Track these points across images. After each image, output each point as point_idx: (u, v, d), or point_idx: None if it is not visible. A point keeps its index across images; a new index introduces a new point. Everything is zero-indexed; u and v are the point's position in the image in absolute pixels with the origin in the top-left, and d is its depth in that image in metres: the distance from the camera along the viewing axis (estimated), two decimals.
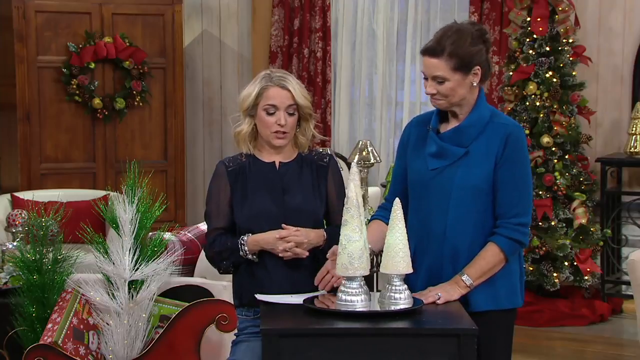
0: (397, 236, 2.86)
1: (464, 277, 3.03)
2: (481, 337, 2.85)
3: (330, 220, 3.31)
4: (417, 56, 7.14)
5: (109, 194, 6.30)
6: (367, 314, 2.82)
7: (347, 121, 7.58)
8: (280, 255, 3.16)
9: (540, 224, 6.10)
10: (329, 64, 7.48)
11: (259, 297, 3.09)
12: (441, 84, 3.07)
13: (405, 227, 2.90)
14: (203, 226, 4.48)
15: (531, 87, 6.17)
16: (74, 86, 7.02)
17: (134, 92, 7.16)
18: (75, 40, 7.04)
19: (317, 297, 3.02)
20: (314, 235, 3.19)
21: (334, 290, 3.03)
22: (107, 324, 3.46)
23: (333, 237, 3.11)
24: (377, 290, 2.98)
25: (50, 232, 3.72)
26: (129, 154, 6.79)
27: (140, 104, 7.23)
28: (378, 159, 5.80)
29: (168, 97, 7.35)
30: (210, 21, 7.94)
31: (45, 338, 3.30)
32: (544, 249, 6.06)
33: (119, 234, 3.54)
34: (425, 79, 3.11)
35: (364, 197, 5.61)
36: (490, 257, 3.05)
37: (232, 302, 3.37)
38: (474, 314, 2.95)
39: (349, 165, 6.06)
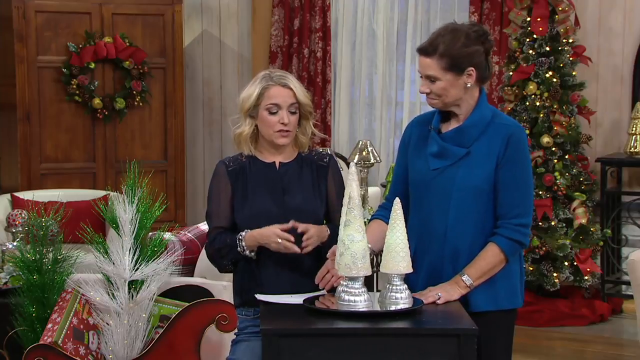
0: (397, 236, 2.86)
1: (464, 277, 3.03)
2: (481, 337, 2.85)
3: (330, 220, 3.31)
4: (417, 56, 7.11)
5: (109, 194, 6.30)
6: (367, 314, 2.83)
7: (347, 121, 7.58)
8: (273, 249, 3.14)
9: (540, 224, 6.10)
10: (329, 64, 7.48)
11: (259, 297, 3.09)
12: (434, 83, 3.08)
13: (406, 226, 2.90)
14: (203, 226, 4.48)
15: (531, 87, 6.17)
16: (74, 86, 7.02)
17: (134, 92, 7.16)
18: (75, 40, 7.04)
19: (317, 297, 3.02)
20: (315, 231, 3.18)
21: (333, 290, 3.03)
22: (107, 324, 3.46)
23: (333, 236, 3.11)
24: (377, 290, 2.97)
25: (50, 232, 3.72)
26: (129, 154, 6.79)
27: (140, 104, 7.23)
28: (378, 159, 5.80)
29: (168, 97, 7.35)
30: (210, 21, 7.94)
31: (45, 338, 3.30)
32: (544, 249, 6.06)
33: (119, 234, 3.54)
34: (422, 77, 3.13)
35: (364, 197, 5.61)
36: (490, 257, 3.05)
37: (232, 302, 3.37)
38: (474, 314, 2.95)
39: (349, 166, 6.06)
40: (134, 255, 3.50)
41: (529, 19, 6.21)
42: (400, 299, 2.86)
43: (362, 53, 7.48)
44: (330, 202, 3.30)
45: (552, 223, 6.12)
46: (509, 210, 3.07)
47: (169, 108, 7.36)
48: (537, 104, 6.16)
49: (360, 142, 5.80)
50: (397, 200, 2.88)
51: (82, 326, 3.45)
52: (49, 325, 3.39)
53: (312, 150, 3.39)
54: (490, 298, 3.08)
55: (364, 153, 5.71)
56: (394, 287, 2.87)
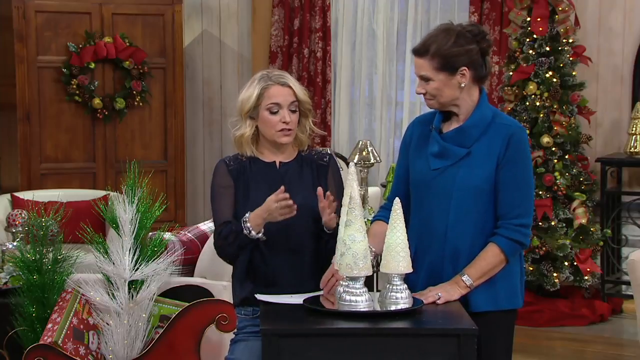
0: (397, 236, 2.86)
1: (464, 277, 3.03)
2: (481, 337, 2.85)
3: None
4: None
5: (109, 194, 6.30)
6: (367, 314, 2.82)
7: (347, 121, 7.58)
8: (277, 217, 3.10)
9: (540, 224, 6.10)
10: (329, 64, 7.48)
11: (259, 297, 3.09)
12: (428, 83, 3.09)
13: (407, 226, 2.90)
14: (203, 226, 4.48)
15: (531, 87, 6.17)
16: (74, 86, 7.02)
17: (134, 92, 7.16)
18: (75, 40, 7.04)
19: (317, 297, 3.01)
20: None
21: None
22: (107, 324, 3.46)
23: (334, 236, 3.10)
24: (377, 290, 2.97)
25: (50, 232, 3.72)
26: (129, 154, 6.79)
27: (140, 104, 7.23)
28: (378, 159, 5.80)
29: (168, 97, 7.35)
30: (210, 21, 7.94)
31: (45, 338, 3.30)
32: (544, 249, 6.06)
33: (119, 234, 3.54)
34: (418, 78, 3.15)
35: (364, 197, 5.61)
36: (490, 257, 3.05)
37: (232, 302, 3.36)
38: (474, 314, 2.95)
39: (349, 166, 6.05)
40: (134, 255, 3.50)
41: (529, 19, 6.21)
42: (400, 299, 2.86)
43: (362, 53, 7.48)
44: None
45: (552, 223, 6.12)
46: (510, 210, 3.07)
47: (169, 108, 7.36)
48: (537, 104, 6.16)
49: (360, 142, 5.81)
50: (397, 200, 2.88)
51: (82, 326, 3.45)
52: (49, 325, 3.39)
53: (312, 149, 3.39)
54: (490, 298, 3.08)
55: (364, 153, 5.71)
56: (394, 287, 2.87)
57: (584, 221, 6.12)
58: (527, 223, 3.09)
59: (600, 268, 6.20)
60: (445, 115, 3.18)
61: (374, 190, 6.17)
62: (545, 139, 6.13)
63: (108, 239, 3.74)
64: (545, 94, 6.15)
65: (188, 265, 4.28)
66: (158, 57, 7.30)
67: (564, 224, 6.13)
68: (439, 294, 3.00)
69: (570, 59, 6.22)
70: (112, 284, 3.50)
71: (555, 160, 6.17)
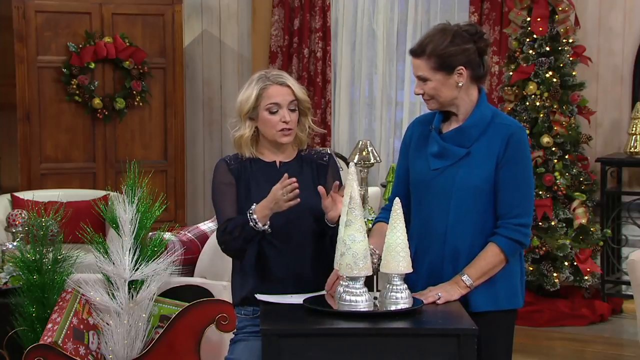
0: (397, 236, 2.86)
1: (464, 277, 3.03)
2: (481, 337, 2.85)
3: None
4: None
5: (109, 194, 6.30)
6: (367, 314, 2.82)
7: (347, 121, 7.58)
8: (283, 205, 3.08)
9: (540, 224, 6.10)
10: (329, 64, 7.48)
11: (259, 297, 3.09)
12: (425, 83, 3.10)
13: (407, 226, 2.90)
14: (203, 226, 4.48)
15: (531, 87, 6.17)
16: (74, 86, 7.02)
17: (134, 92, 7.16)
18: (75, 40, 7.04)
19: (317, 297, 3.01)
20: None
21: None
22: (107, 324, 3.46)
23: (334, 235, 3.10)
24: (377, 290, 2.97)
25: (50, 232, 3.72)
26: (129, 154, 6.79)
27: (140, 104, 7.23)
28: (378, 159, 5.80)
29: (168, 97, 7.35)
30: (210, 21, 7.94)
31: (45, 338, 3.30)
32: (544, 249, 6.06)
33: (119, 234, 3.54)
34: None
35: (364, 197, 5.61)
36: (490, 257, 3.05)
37: (232, 302, 3.36)
38: (474, 314, 2.95)
39: (349, 166, 6.05)
40: (134, 255, 3.50)
41: (529, 19, 6.21)
42: (401, 299, 2.86)
43: (362, 53, 7.48)
44: None
45: (552, 223, 6.12)
46: (509, 210, 3.07)
47: (169, 108, 7.36)
48: (537, 104, 6.16)
49: (360, 142, 5.80)
50: (397, 200, 2.88)
51: (82, 326, 3.45)
52: (49, 325, 3.39)
53: (312, 149, 3.40)
54: (490, 298, 3.08)
55: (364, 153, 5.71)
56: (394, 287, 2.87)
57: (584, 221, 6.12)
58: (527, 223, 3.09)
59: (600, 268, 6.20)
60: (445, 116, 3.19)
61: (374, 190, 6.17)
62: (545, 139, 6.13)
63: (108, 239, 3.74)
64: (545, 94, 6.15)
65: (188, 265, 4.28)
66: (158, 57, 7.30)
67: (564, 224, 6.13)
68: (439, 294, 3.00)
69: (570, 59, 6.22)
70: (112, 284, 3.50)
71: (555, 160, 6.17)
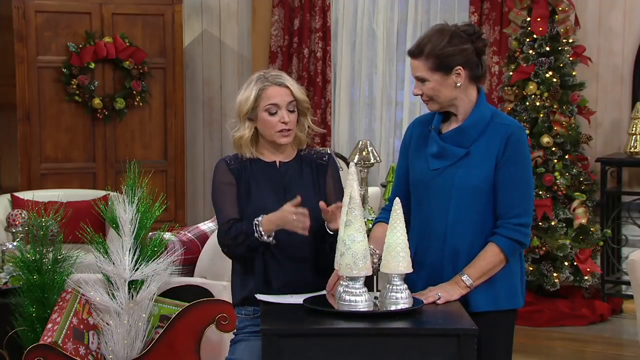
0: (397, 236, 2.86)
1: (464, 277, 3.03)
2: (481, 337, 2.85)
3: None
4: None
5: (109, 194, 6.30)
6: (367, 314, 2.82)
7: (347, 121, 7.59)
8: (290, 227, 3.07)
9: (540, 224, 6.10)
10: (329, 64, 7.48)
11: (259, 297, 3.09)
12: (424, 84, 3.10)
13: (408, 226, 2.90)
14: (203, 226, 4.48)
15: (531, 87, 6.17)
16: (74, 86, 7.02)
17: (134, 92, 7.16)
18: (75, 40, 7.04)
19: (317, 297, 3.01)
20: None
21: None
22: (107, 324, 3.46)
23: (334, 235, 3.10)
24: (377, 290, 2.97)
25: (50, 232, 3.72)
26: (129, 154, 6.79)
27: (140, 104, 7.23)
28: (378, 159, 5.80)
29: (168, 97, 7.35)
30: (210, 21, 7.94)
31: (45, 338, 3.30)
32: (544, 249, 6.07)
33: (119, 234, 3.54)
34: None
35: (364, 197, 5.61)
36: (490, 257, 3.05)
37: (232, 302, 3.36)
38: (474, 314, 2.95)
39: (349, 166, 6.06)
40: (134, 255, 3.50)
41: (529, 19, 6.21)
42: (400, 299, 2.86)
43: (362, 53, 7.48)
44: (329, 200, 3.29)
45: (552, 223, 6.12)
46: (509, 210, 3.07)
47: (169, 108, 7.36)
48: (537, 104, 6.16)
49: (360, 142, 5.81)
50: (396, 200, 2.88)
51: (82, 326, 3.45)
52: (49, 325, 3.39)
53: (312, 149, 3.40)
54: (490, 298, 3.08)
55: (364, 153, 5.71)
56: (394, 287, 2.87)
57: (584, 221, 6.12)
58: (527, 222, 3.09)
59: (600, 268, 6.20)
60: (444, 116, 3.19)
61: (374, 190, 6.17)
62: (545, 139, 6.13)
63: (108, 239, 3.74)
64: (545, 94, 6.15)
65: (188, 265, 4.28)
66: (158, 57, 7.30)
67: (564, 224, 6.13)
68: (439, 294, 3.00)
69: (570, 59, 6.22)
70: (112, 284, 3.50)
71: (555, 160, 6.17)
